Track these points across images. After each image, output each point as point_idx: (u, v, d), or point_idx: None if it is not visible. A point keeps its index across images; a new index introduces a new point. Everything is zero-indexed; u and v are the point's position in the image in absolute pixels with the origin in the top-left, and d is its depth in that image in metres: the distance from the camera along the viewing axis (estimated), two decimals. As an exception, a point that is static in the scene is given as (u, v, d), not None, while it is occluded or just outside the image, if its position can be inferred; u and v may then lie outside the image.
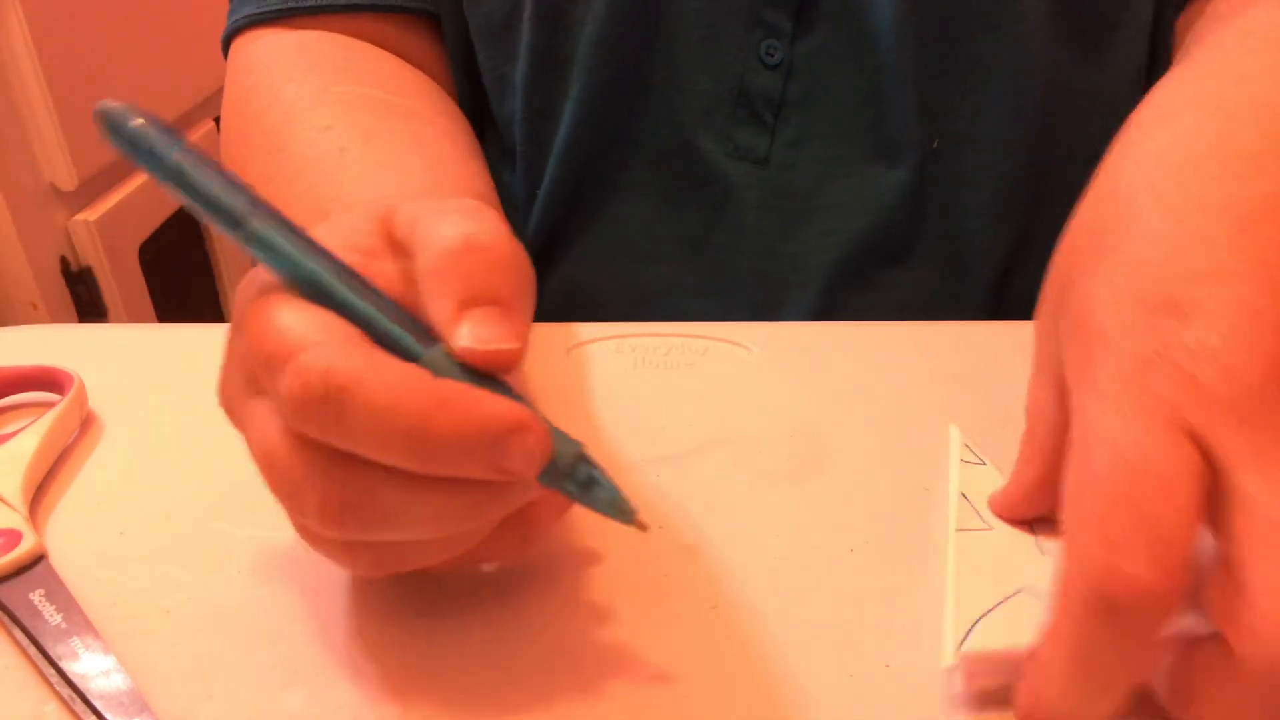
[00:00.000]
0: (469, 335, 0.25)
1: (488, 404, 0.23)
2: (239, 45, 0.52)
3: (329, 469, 0.24)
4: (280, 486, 0.26)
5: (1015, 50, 0.48)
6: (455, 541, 0.26)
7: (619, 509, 0.26)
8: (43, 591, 0.30)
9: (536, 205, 0.53)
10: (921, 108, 0.49)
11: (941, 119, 0.49)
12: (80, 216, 1.20)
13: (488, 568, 0.32)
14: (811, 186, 0.51)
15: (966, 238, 0.51)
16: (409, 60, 0.53)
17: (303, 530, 0.27)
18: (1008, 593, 0.28)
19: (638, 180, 0.52)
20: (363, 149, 0.42)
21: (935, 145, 0.50)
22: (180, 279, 1.44)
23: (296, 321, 0.25)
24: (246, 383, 0.27)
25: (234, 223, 0.26)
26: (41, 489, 0.36)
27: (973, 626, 0.27)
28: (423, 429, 0.23)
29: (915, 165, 0.50)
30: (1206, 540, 0.23)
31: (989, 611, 0.28)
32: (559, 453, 0.25)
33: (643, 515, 0.26)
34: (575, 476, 0.26)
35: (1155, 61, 0.52)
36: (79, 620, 0.29)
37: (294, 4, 0.51)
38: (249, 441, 0.27)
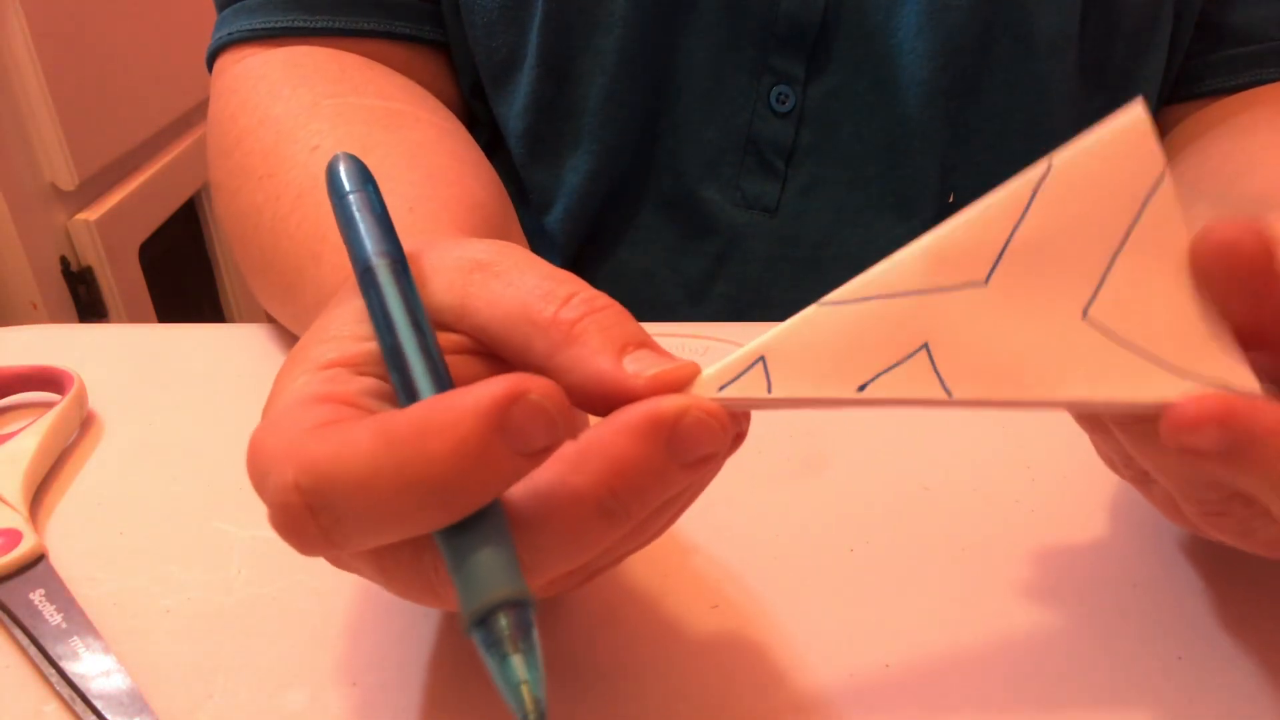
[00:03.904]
0: (644, 366, 0.22)
1: (467, 397, 0.19)
2: (226, 62, 0.49)
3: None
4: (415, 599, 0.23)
5: (1036, 108, 0.47)
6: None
7: (518, 699, 0.19)
8: (43, 591, 0.30)
9: (544, 248, 0.53)
10: (940, 160, 0.48)
11: (959, 173, 0.49)
12: (80, 216, 1.20)
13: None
14: (822, 236, 0.50)
15: None
16: None
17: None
18: (909, 351, 0.24)
19: (645, 227, 0.52)
20: None
21: (952, 200, 0.49)
22: (180, 279, 1.44)
23: (261, 442, 0.22)
24: None
25: (362, 265, 0.25)
26: (41, 489, 0.36)
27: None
28: (423, 469, 0.19)
29: (930, 218, 0.49)
30: None
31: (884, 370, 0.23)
32: (476, 593, 0.20)
33: None
34: (490, 630, 0.20)
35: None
36: (79, 620, 0.29)
37: (297, 23, 0.47)
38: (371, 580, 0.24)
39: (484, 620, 0.20)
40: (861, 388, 0.23)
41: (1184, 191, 0.47)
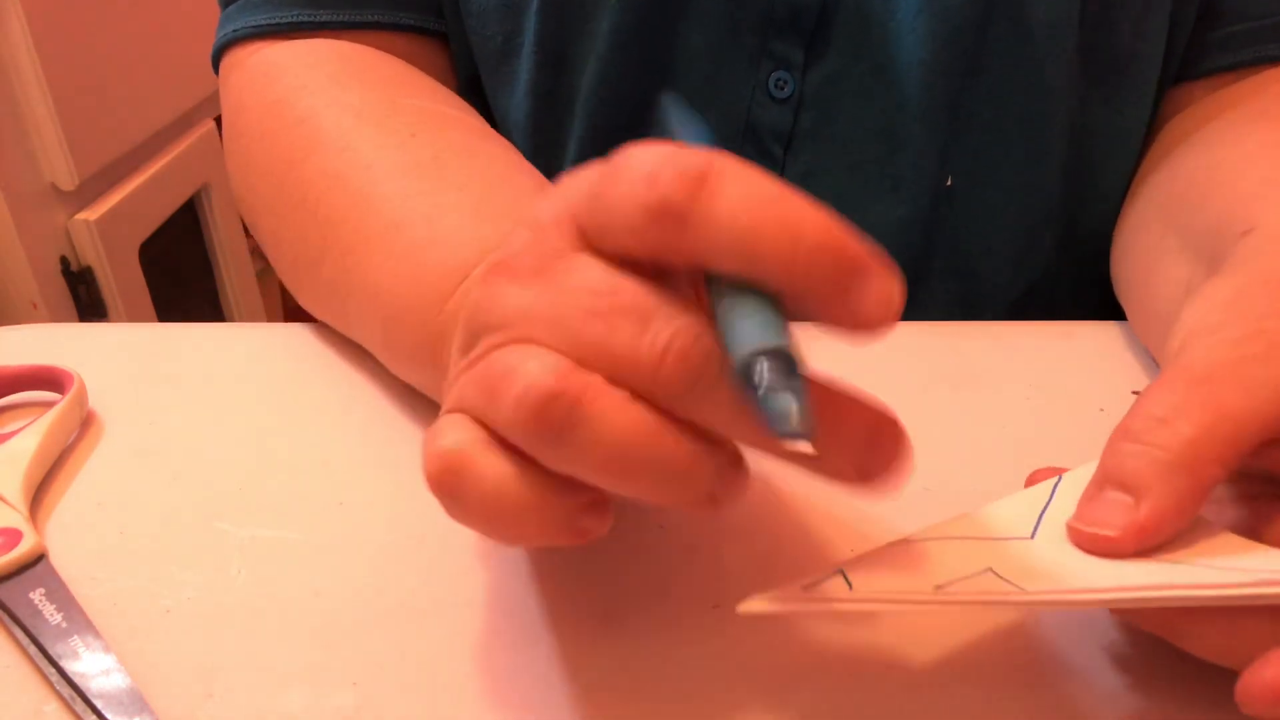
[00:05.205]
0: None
1: (853, 237, 0.23)
2: (239, 56, 0.49)
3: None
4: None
5: (1035, 91, 0.47)
6: None
7: (784, 422, 0.21)
8: (43, 591, 0.30)
9: None
10: (939, 145, 0.48)
11: (957, 157, 0.49)
12: (80, 216, 1.20)
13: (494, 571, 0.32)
14: None
15: (979, 279, 0.51)
16: None
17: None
18: (977, 569, 0.26)
19: None
20: (460, 160, 0.39)
21: (949, 184, 0.49)
22: (180, 279, 1.44)
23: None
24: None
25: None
26: (41, 489, 0.36)
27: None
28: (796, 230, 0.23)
29: (928, 203, 0.49)
30: None
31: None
32: (750, 339, 0.22)
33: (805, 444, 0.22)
34: (751, 375, 0.22)
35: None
36: (79, 620, 0.29)
37: (303, 18, 0.48)
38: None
39: (751, 364, 0.22)
40: (939, 587, 0.24)
41: (1156, 223, 0.46)
